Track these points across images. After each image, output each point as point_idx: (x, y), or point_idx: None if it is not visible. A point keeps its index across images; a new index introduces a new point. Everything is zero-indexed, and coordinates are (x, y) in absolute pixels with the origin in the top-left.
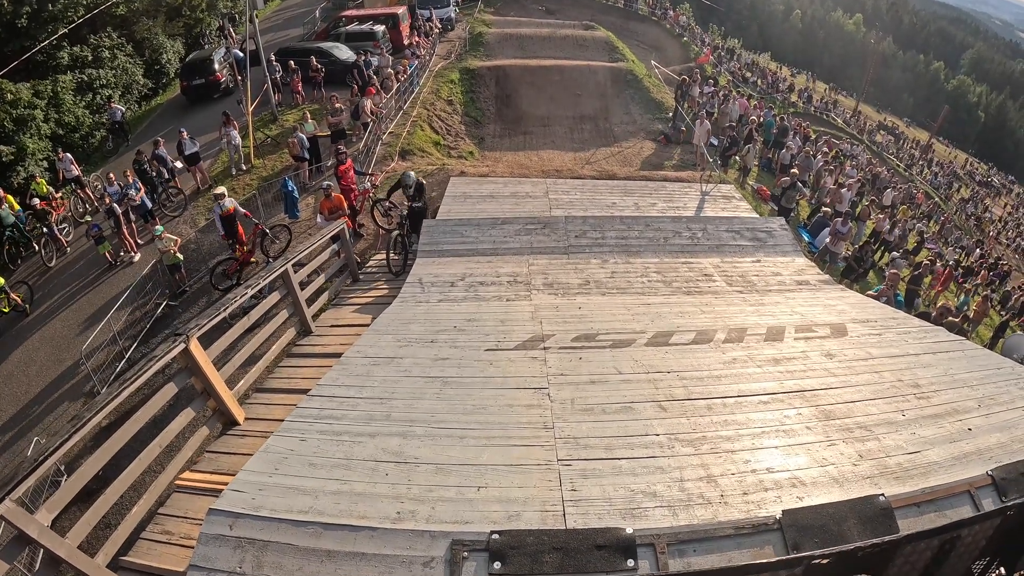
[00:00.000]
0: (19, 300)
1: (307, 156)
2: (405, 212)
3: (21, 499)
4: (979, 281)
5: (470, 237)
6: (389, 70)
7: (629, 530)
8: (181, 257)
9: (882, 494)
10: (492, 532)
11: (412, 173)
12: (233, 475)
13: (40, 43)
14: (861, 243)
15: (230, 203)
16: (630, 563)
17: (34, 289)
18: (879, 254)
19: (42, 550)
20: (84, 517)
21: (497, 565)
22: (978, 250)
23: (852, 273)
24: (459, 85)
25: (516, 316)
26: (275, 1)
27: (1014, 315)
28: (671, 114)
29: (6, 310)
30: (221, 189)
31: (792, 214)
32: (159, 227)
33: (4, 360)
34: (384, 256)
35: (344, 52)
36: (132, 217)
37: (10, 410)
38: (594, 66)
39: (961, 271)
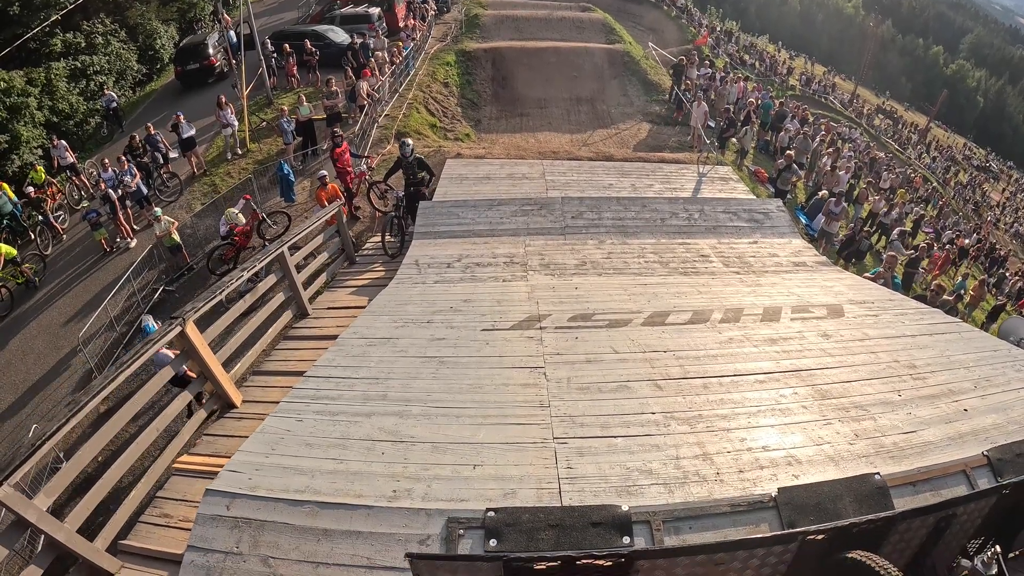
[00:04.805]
0: (30, 274)
1: (291, 140)
2: (401, 194)
3: (20, 484)
4: (972, 260)
5: (466, 218)
6: (380, 52)
7: (625, 507)
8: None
9: (877, 473)
10: (488, 510)
11: (409, 140)
12: (231, 458)
13: (32, 30)
14: (860, 224)
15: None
16: (626, 540)
17: (47, 263)
18: (876, 236)
19: (43, 535)
20: (83, 501)
21: (493, 542)
22: (975, 235)
23: (845, 250)
24: (455, 67)
25: (512, 296)
26: None
27: (1010, 299)
28: (669, 96)
29: (20, 280)
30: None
31: (789, 196)
32: (157, 209)
33: (2, 348)
34: (380, 238)
35: (339, 35)
36: (128, 203)
37: (8, 398)
38: (591, 48)
39: (957, 252)
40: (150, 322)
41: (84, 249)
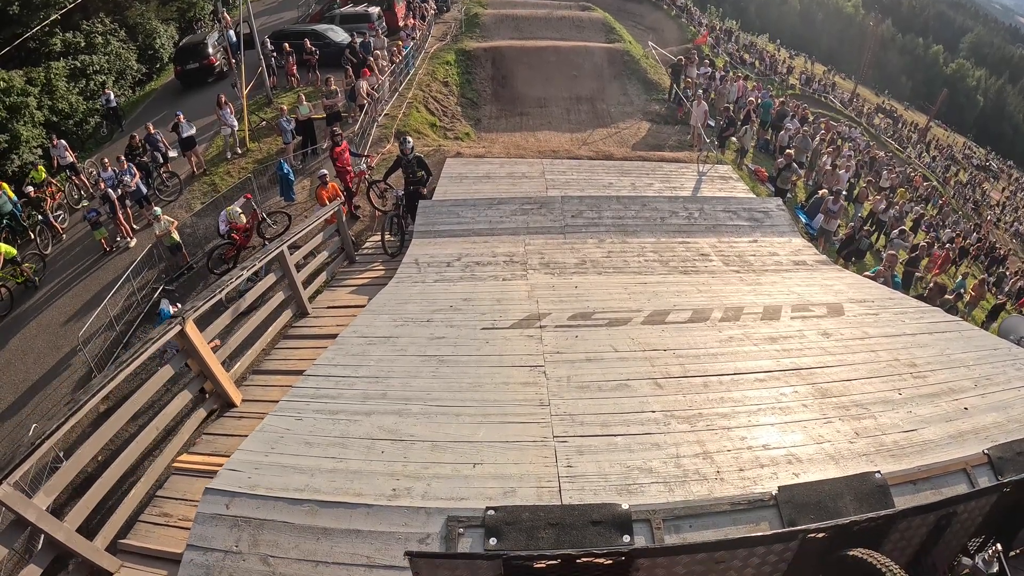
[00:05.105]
0: (30, 273)
1: (290, 139)
2: (401, 193)
3: (20, 483)
4: (972, 259)
5: (466, 217)
6: (377, 52)
7: (625, 506)
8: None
9: (878, 471)
10: (488, 508)
11: (409, 137)
12: (230, 457)
13: (32, 29)
14: (860, 223)
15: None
16: (626, 539)
17: (47, 262)
18: (876, 236)
19: (42, 534)
20: (82, 500)
21: (493, 541)
22: (975, 234)
23: (845, 249)
24: (455, 66)
25: (512, 295)
26: None
27: (1010, 298)
28: (668, 95)
29: (20, 280)
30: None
31: (788, 195)
32: (157, 209)
33: (2, 348)
34: (380, 237)
35: (339, 34)
36: (128, 203)
37: (8, 398)
38: (591, 47)
39: (957, 251)
40: (166, 305)
41: (84, 249)
